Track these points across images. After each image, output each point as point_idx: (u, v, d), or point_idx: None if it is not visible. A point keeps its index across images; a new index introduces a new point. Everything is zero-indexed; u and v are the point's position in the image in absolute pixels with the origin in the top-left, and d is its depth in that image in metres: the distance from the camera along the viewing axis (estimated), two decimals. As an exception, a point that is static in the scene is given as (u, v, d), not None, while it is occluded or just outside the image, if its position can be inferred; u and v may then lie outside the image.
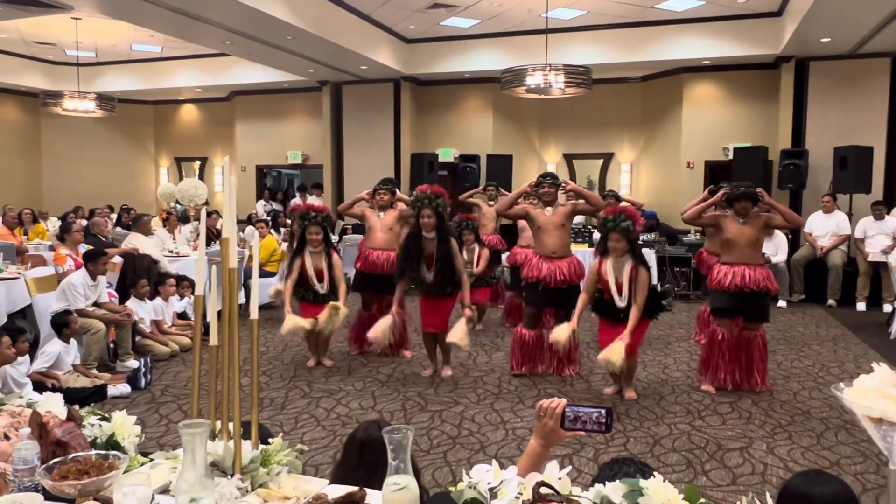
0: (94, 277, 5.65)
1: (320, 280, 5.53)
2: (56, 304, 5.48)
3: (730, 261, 5.09)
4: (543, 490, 1.27)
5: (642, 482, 1.27)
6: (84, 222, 9.29)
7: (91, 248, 6.36)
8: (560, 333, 4.90)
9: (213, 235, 8.70)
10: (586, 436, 4.11)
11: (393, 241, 5.97)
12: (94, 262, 5.64)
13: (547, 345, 5.36)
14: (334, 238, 7.49)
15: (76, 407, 1.78)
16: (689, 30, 9.88)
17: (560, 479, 1.31)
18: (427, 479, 3.53)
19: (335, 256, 5.64)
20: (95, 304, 5.69)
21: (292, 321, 5.33)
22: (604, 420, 1.51)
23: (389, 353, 6.01)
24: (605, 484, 1.31)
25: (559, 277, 5.28)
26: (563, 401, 1.57)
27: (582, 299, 4.99)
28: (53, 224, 10.38)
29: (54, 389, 4.34)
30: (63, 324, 5.10)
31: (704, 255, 6.69)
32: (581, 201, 5.45)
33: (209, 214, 9.58)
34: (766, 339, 5.17)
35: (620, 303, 4.74)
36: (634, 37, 10.11)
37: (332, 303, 5.40)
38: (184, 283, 6.93)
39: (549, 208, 5.45)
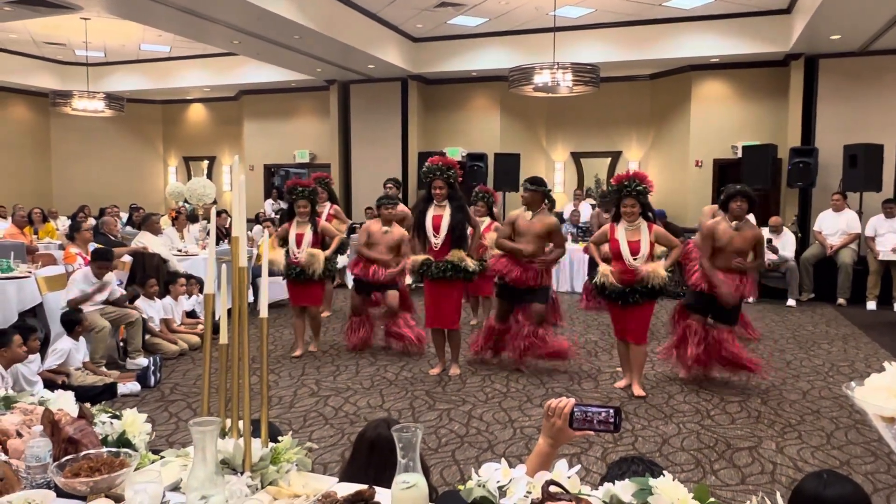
0: (98, 277, 5.71)
1: (298, 245, 5.88)
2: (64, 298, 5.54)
3: (715, 267, 5.06)
4: (553, 489, 1.27)
5: (652, 481, 1.27)
6: (92, 221, 9.34)
7: (100, 246, 6.40)
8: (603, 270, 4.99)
9: (222, 234, 8.73)
10: (595, 435, 4.11)
11: (393, 248, 6.06)
12: (105, 260, 5.71)
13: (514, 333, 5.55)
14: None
15: (87, 405, 1.79)
16: (697, 27, 9.84)
17: (569, 477, 1.31)
18: (435, 478, 3.54)
19: (321, 223, 6.08)
20: (106, 301, 5.72)
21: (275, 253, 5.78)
22: (612, 420, 1.51)
23: (395, 344, 6.17)
24: (614, 483, 1.30)
25: (523, 278, 5.30)
26: (572, 400, 1.57)
27: (592, 250, 5.19)
28: (63, 223, 10.44)
29: (64, 387, 4.38)
30: (74, 321, 5.15)
31: (690, 247, 6.56)
32: (555, 227, 5.39)
33: (218, 213, 9.62)
34: (734, 338, 5.18)
35: (635, 262, 4.82)
36: (642, 34, 10.08)
37: (308, 249, 5.83)
38: (192, 282, 6.97)
39: (528, 213, 5.35)
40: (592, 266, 8.12)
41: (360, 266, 6.12)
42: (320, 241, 6.00)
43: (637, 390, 4.97)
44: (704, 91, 10.86)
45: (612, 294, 4.93)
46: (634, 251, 4.84)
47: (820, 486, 1.64)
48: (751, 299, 8.21)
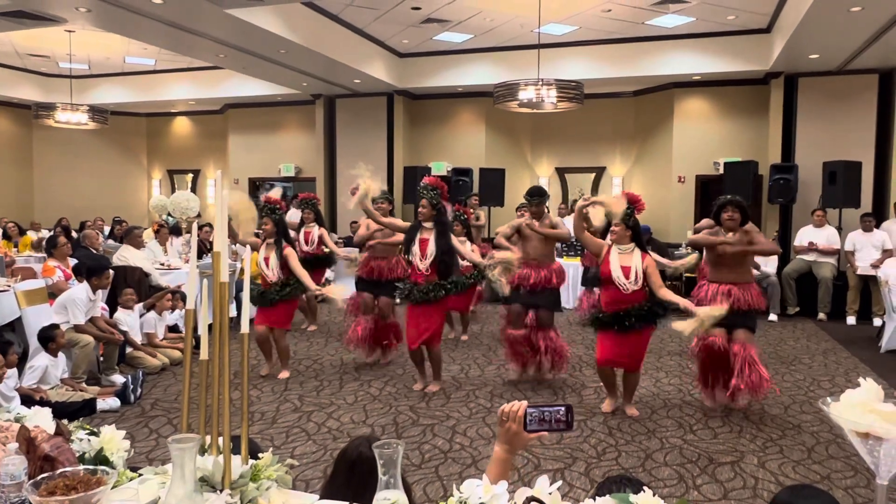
0: (95, 291, 5.66)
1: (267, 266, 5.79)
2: (55, 318, 5.44)
3: (717, 279, 4.98)
4: (533, 505, 1.27)
5: (632, 497, 1.27)
6: (73, 234, 9.24)
7: (78, 260, 6.33)
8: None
9: (205, 248, 8.68)
10: (578, 450, 4.11)
11: (391, 249, 6.34)
12: (97, 276, 5.65)
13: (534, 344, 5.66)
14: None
15: (65, 421, 1.76)
16: (679, 46, 9.98)
17: (550, 493, 1.31)
18: (419, 494, 3.52)
19: (287, 249, 5.75)
20: (89, 319, 5.66)
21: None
22: (564, 418, 1.51)
23: (381, 352, 6.31)
24: (595, 499, 1.31)
25: (535, 279, 5.48)
26: (524, 403, 1.58)
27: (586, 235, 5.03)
28: (45, 235, 10.32)
29: (42, 403, 4.31)
30: (49, 338, 5.06)
31: (704, 268, 6.71)
32: (557, 224, 5.78)
33: (201, 227, 9.56)
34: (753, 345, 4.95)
35: (631, 286, 4.66)
36: (626, 52, 10.20)
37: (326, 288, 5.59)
38: (177, 297, 6.91)
39: (535, 222, 5.70)
40: (586, 282, 8.30)
41: (364, 266, 6.37)
42: (285, 266, 5.72)
43: (630, 410, 4.89)
44: (687, 108, 11.00)
45: (606, 320, 4.73)
46: (625, 275, 4.69)
47: (795, 499, 1.65)
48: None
